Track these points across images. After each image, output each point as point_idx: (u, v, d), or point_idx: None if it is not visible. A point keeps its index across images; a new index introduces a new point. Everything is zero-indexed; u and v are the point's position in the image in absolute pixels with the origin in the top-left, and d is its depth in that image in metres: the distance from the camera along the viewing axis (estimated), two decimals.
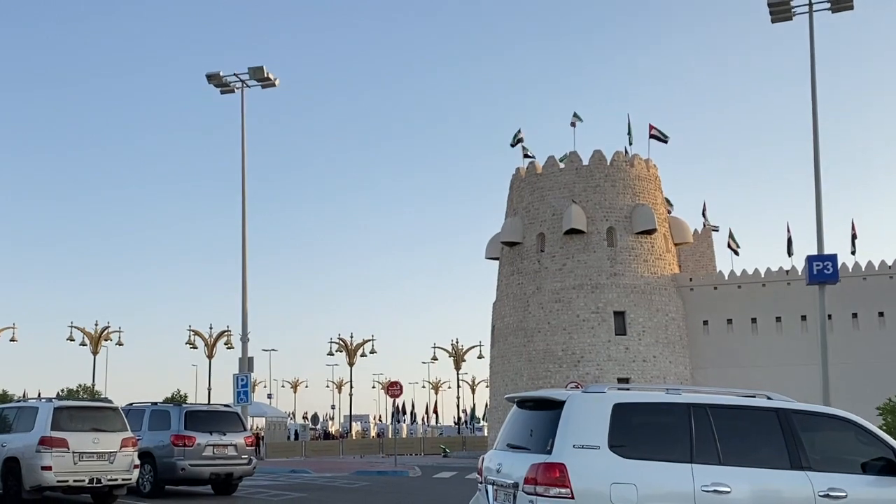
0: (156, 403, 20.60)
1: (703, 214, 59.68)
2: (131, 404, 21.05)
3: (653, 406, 7.48)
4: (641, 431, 7.26)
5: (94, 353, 60.05)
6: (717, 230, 59.26)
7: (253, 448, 20.65)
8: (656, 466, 7.01)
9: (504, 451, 7.88)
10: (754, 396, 8.00)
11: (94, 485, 16.50)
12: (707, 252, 59.10)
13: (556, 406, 7.38)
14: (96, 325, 60.27)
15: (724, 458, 7.19)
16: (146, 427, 19.69)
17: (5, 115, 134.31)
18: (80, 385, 57.13)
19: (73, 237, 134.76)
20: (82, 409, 17.17)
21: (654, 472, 6.98)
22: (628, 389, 8.10)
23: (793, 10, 30.32)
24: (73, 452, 16.27)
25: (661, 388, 7.81)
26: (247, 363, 34.21)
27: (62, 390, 56.63)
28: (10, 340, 60.32)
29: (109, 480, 16.66)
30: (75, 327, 59.92)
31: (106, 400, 18.35)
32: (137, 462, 17.31)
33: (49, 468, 16.06)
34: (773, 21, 31.32)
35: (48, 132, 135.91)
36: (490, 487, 7.82)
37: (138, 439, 19.13)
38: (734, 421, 7.46)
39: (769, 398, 7.93)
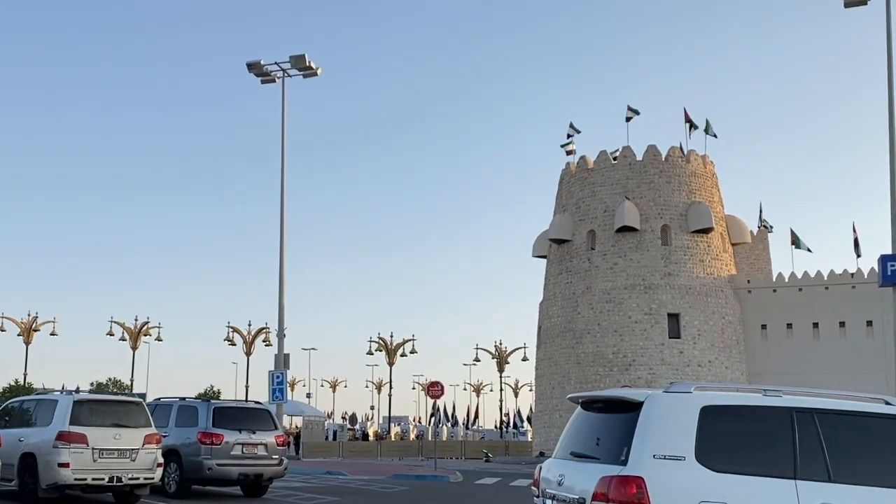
0: (184, 399, 19.39)
1: (760, 215, 57.54)
2: (159, 399, 19.91)
3: (748, 410, 6.37)
4: (735, 440, 6.22)
5: (134, 348, 59.62)
6: (771, 231, 57.06)
7: (284, 448, 19.33)
8: (752, 483, 6.00)
9: (567, 461, 6.85)
10: (869, 401, 6.77)
11: (115, 484, 15.37)
12: (763, 255, 56.92)
13: (631, 408, 6.37)
14: (136, 320, 59.89)
15: (835, 475, 6.13)
16: (173, 423, 18.51)
17: (45, 111, 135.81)
18: (109, 378, 56.67)
19: (112, 232, 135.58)
20: (103, 403, 16.02)
21: (749, 489, 5.97)
22: (717, 390, 6.83)
23: None
24: (93, 449, 15.17)
25: (756, 389, 6.69)
26: (283, 360, 33.04)
27: (92, 384, 56.21)
28: (51, 335, 60.21)
29: (131, 479, 15.52)
30: (115, 322, 59.65)
31: (130, 394, 17.13)
32: (161, 460, 16.13)
33: (66, 465, 14.95)
34: (846, 6, 29.34)
35: (82, 127, 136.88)
36: (549, 502, 6.83)
37: (164, 436, 17.97)
38: (846, 429, 6.41)
39: (888, 403, 6.72)
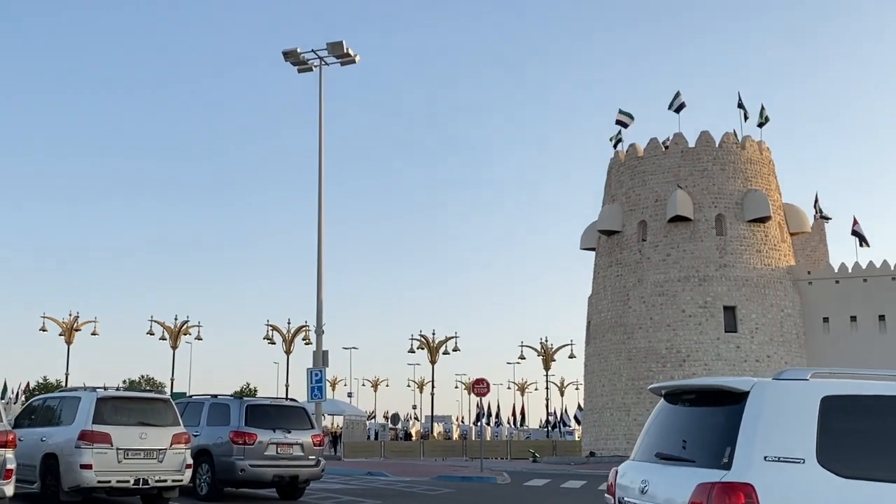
0: (216, 396, 18.27)
1: (816, 204, 55.11)
2: (190, 397, 18.83)
3: (882, 402, 5.19)
4: (865, 438, 5.09)
5: (174, 347, 59.27)
6: (829, 220, 54.61)
7: (321, 448, 18.13)
8: (891, 492, 4.85)
9: (651, 464, 5.77)
10: None
11: (141, 486, 14.30)
12: (820, 246, 54.51)
13: (733, 400, 5.29)
14: (175, 319, 59.48)
15: None
16: (204, 422, 17.43)
17: (76, 109, 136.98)
18: (142, 376, 56.20)
19: (152, 231, 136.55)
20: (129, 401, 14.94)
21: (886, 500, 4.84)
22: (838, 376, 5.49)
23: None
24: (117, 449, 14.13)
25: (886, 375, 5.55)
26: (321, 357, 31.91)
27: (124, 381, 55.76)
28: (92, 334, 60.18)
29: (158, 481, 14.44)
30: (155, 321, 59.32)
31: (157, 390, 16.04)
32: (190, 461, 15.02)
33: (89, 466, 13.91)
34: None
35: (120, 123, 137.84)
36: None
37: (195, 435, 16.89)
38: None
39: None
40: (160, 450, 14.47)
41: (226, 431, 16.86)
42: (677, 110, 42.88)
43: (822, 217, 54.33)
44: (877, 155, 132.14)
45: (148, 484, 14.31)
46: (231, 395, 18.26)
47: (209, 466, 16.86)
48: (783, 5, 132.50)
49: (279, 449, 17.06)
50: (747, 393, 5.16)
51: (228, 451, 16.68)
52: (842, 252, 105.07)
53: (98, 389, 15.05)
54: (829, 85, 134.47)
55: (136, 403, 14.90)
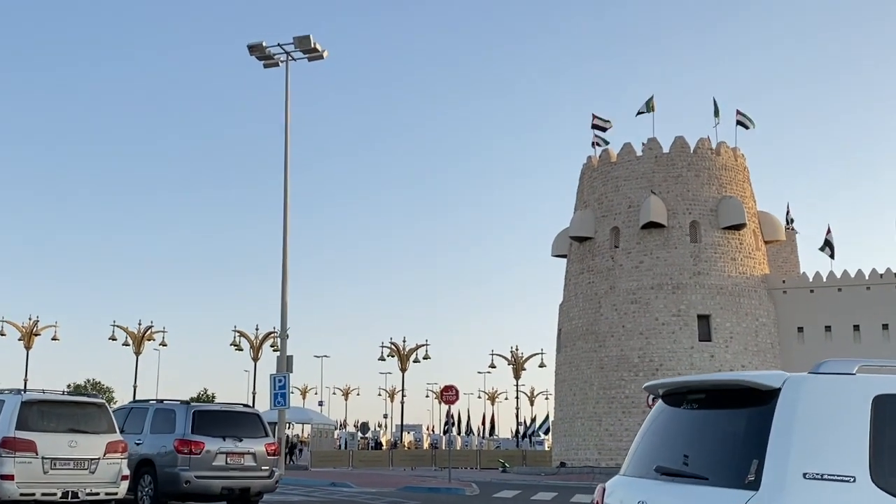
0: (161, 401, 17.03)
1: (787, 215, 54.91)
2: (135, 401, 17.58)
3: None
4: None
5: (137, 353, 57.66)
6: (797, 232, 54.58)
7: (276, 458, 16.92)
8: None
9: (650, 481, 4.57)
10: None
11: (70, 500, 13.02)
12: (791, 257, 54.31)
13: (758, 400, 4.12)
14: (139, 324, 57.83)
15: None
16: (148, 429, 16.18)
17: (38, 104, 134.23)
18: (87, 380, 54.53)
19: (114, 232, 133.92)
20: (58, 405, 13.65)
21: None
22: (893, 370, 4.37)
23: None
24: (43, 458, 12.88)
25: None
26: (285, 362, 30.69)
27: (68, 385, 54.03)
28: (52, 339, 58.39)
29: (89, 494, 13.20)
30: (118, 326, 57.65)
31: (90, 394, 14.80)
32: (127, 472, 13.80)
33: (10, 477, 12.65)
34: None
35: (78, 123, 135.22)
36: None
37: (138, 443, 15.67)
38: None
39: None
40: (92, 459, 13.25)
41: (170, 440, 15.63)
42: (647, 111, 42.11)
43: (792, 228, 54.15)
44: (847, 165, 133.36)
45: (78, 497, 13.07)
46: (178, 400, 17.04)
47: (152, 478, 15.60)
48: (759, 13, 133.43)
49: (229, 458, 15.86)
50: (777, 391, 4.05)
51: (173, 462, 15.45)
52: (812, 262, 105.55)
53: (24, 392, 13.80)
54: (802, 94, 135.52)
55: (67, 408, 13.64)
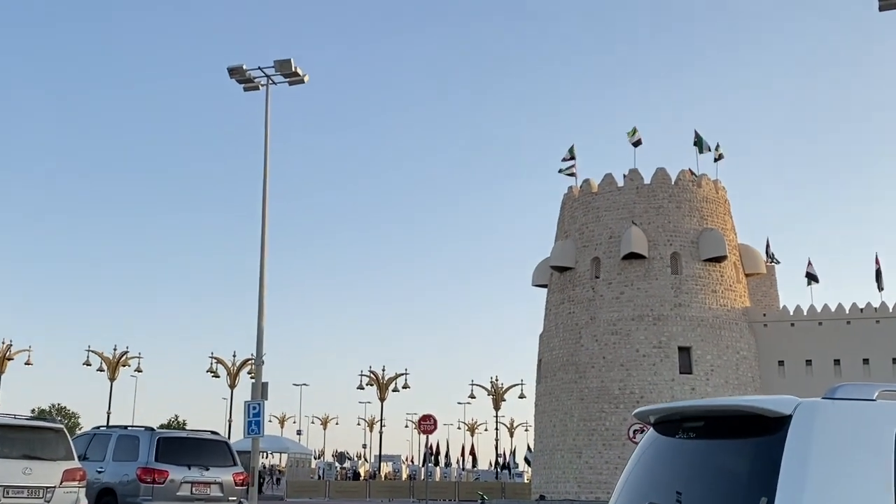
0: (125, 427, 16.51)
1: (767, 248, 55.01)
2: (98, 427, 17.04)
3: None
4: None
5: (112, 378, 56.72)
6: (779, 263, 54.57)
7: (244, 488, 16.41)
8: None
9: None
10: None
11: None
12: (771, 291, 54.22)
13: (766, 429, 3.58)
14: (114, 349, 56.93)
15: None
16: (110, 457, 15.66)
17: (10, 126, 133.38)
18: (52, 405, 53.49)
19: (92, 257, 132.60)
20: (12, 430, 13.12)
21: None
22: None
23: None
24: None
25: None
26: (260, 389, 30.00)
27: (32, 410, 52.93)
28: (25, 364, 57.35)
29: None
30: (93, 351, 56.71)
31: (48, 418, 14.26)
32: (85, 501, 13.26)
33: None
34: (881, 9, 26.99)
35: (56, 147, 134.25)
36: None
37: (100, 471, 15.15)
38: None
39: None
40: (48, 488, 12.72)
41: (133, 468, 15.14)
42: (635, 145, 42.26)
43: (772, 261, 54.22)
44: (826, 199, 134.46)
45: None
46: (142, 427, 16.52)
47: None
48: (739, 48, 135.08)
49: (194, 488, 15.38)
50: (788, 418, 3.57)
51: (135, 491, 14.94)
52: (792, 296, 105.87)
53: None
54: (780, 128, 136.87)
55: (21, 433, 13.12)
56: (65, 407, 52.46)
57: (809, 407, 3.56)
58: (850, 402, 3.60)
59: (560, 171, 43.77)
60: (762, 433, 3.57)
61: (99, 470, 15.34)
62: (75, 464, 13.24)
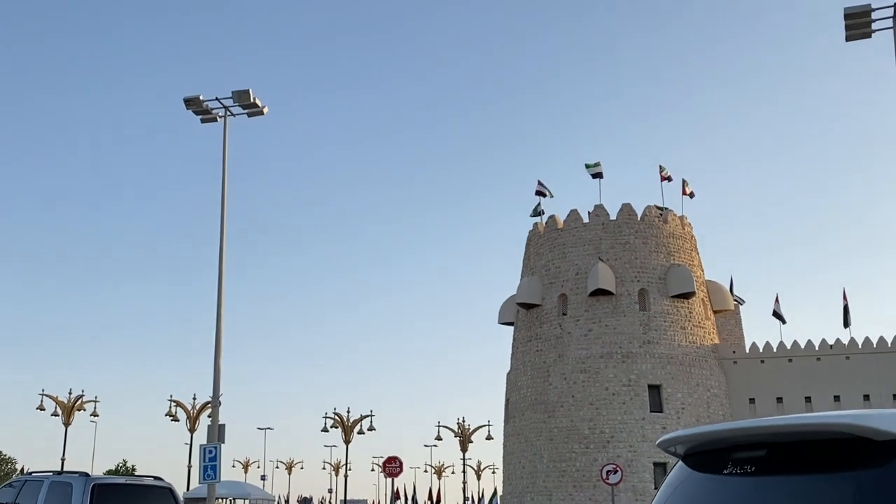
0: (60, 473, 15.27)
1: (731, 288, 54.89)
2: (30, 474, 15.77)
3: None
4: None
5: (67, 424, 54.52)
6: (743, 303, 54.42)
7: None
8: None
9: None
10: None
11: None
12: (736, 329, 53.98)
13: (865, 458, 2.52)
14: (69, 393, 54.86)
15: None
16: None
17: None
18: None
19: (45, 297, 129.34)
20: None
21: None
22: None
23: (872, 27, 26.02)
24: None
25: None
26: (216, 432, 28.70)
27: None
28: None
29: None
30: (47, 395, 54.62)
31: None
32: None
33: None
34: (847, 39, 27.05)
35: (5, 182, 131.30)
36: None
37: None
38: None
39: None
40: None
41: None
42: (594, 176, 41.86)
43: (737, 301, 54.04)
44: (792, 235, 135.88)
45: None
46: (77, 472, 15.27)
47: None
48: (703, 82, 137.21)
49: None
50: (891, 444, 2.55)
51: None
52: (757, 334, 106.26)
53: None
54: (749, 163, 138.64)
55: None
56: (1, 451, 50.35)
57: None
58: None
59: (536, 213, 43.06)
60: (862, 465, 2.57)
61: None
62: None
